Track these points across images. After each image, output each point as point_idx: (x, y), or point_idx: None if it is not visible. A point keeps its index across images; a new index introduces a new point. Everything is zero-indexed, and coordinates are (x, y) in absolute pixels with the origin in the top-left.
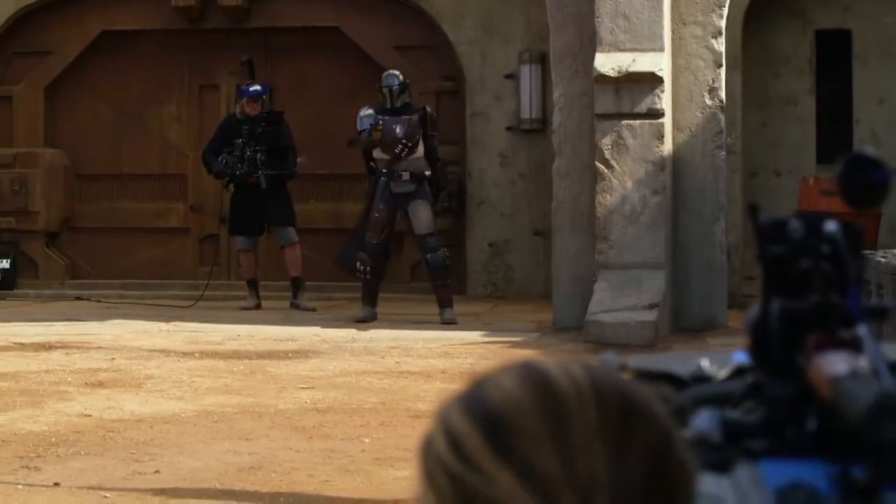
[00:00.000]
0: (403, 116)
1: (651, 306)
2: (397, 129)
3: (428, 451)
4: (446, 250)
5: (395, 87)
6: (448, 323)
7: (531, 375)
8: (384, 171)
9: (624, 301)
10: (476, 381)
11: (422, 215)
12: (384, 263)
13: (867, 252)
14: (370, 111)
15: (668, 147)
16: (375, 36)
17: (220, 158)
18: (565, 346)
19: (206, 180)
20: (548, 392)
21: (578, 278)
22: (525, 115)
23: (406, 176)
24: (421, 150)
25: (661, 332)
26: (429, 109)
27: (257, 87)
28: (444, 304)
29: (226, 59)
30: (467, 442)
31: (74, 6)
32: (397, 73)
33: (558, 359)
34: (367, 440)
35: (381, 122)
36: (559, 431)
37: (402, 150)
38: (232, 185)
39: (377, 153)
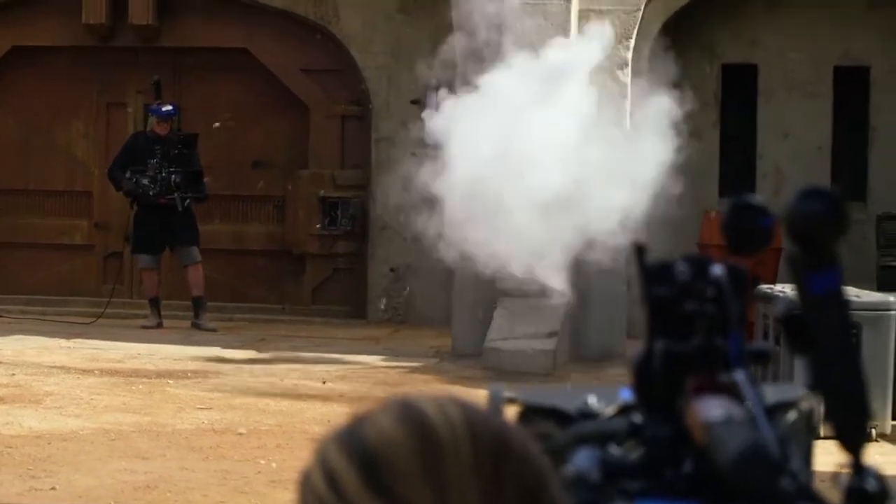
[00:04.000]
0: None
1: (550, 335)
2: None
3: (305, 486)
4: None
5: None
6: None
7: (408, 413)
8: None
9: (523, 329)
10: (355, 418)
11: None
12: None
13: (765, 288)
14: None
15: None
16: (284, 58)
17: (128, 177)
18: (463, 372)
19: (112, 198)
20: (424, 431)
21: (479, 305)
22: (430, 141)
23: None
24: None
25: (559, 360)
26: None
27: (169, 108)
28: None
29: (135, 78)
30: (343, 478)
31: None
32: None
33: (437, 396)
34: (262, 462)
35: None
36: (434, 470)
37: None
38: (136, 204)
39: None
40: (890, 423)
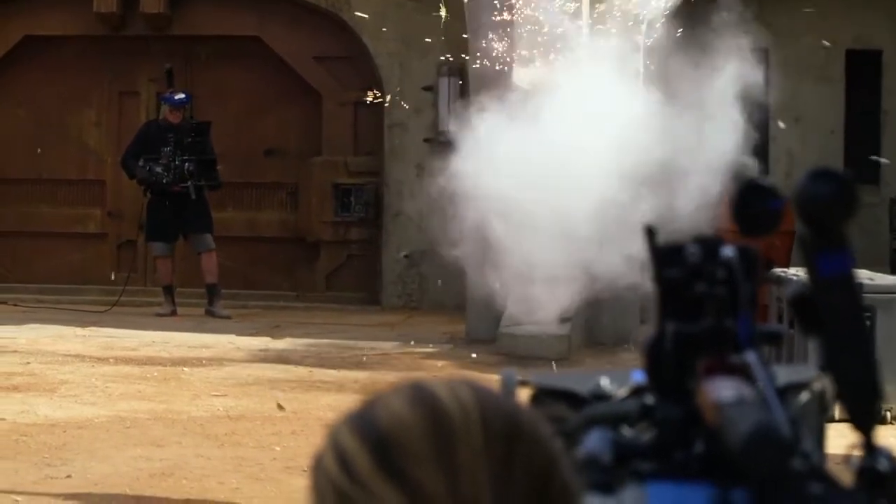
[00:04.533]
0: None
1: (563, 320)
2: None
3: (318, 468)
4: None
5: None
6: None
7: (419, 396)
8: None
9: (537, 314)
10: (367, 400)
11: None
12: None
13: (777, 271)
14: None
15: None
16: (296, 46)
17: (141, 165)
18: (478, 358)
19: (125, 186)
20: (435, 413)
21: (493, 290)
22: (443, 126)
23: None
24: None
25: (573, 345)
26: None
27: (181, 96)
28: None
29: (146, 67)
30: (355, 460)
31: None
32: None
33: (449, 379)
34: (278, 448)
35: None
36: (445, 452)
37: None
38: (149, 193)
39: None
40: None
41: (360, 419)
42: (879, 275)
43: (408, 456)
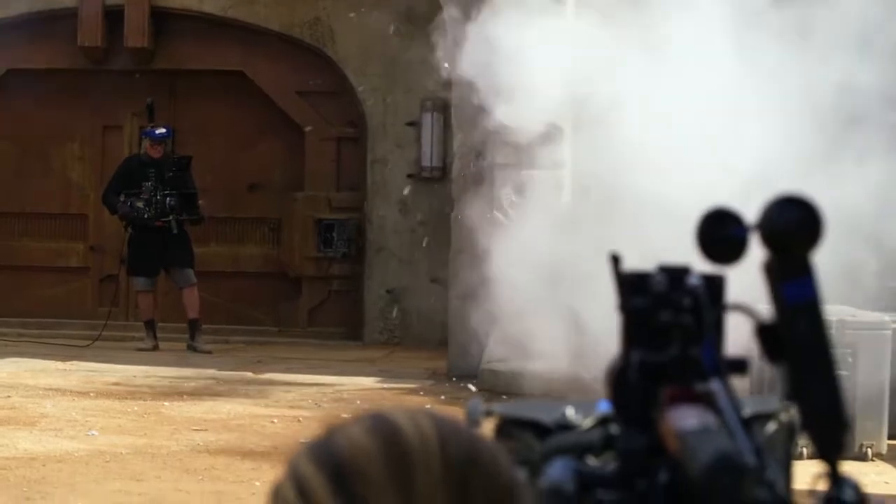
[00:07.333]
0: None
1: (547, 356)
2: None
3: (276, 497)
4: None
5: None
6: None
7: (379, 425)
8: None
9: (519, 350)
10: (327, 430)
11: None
12: None
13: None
14: None
15: (567, 198)
16: (279, 80)
17: (122, 200)
18: (459, 394)
19: (107, 221)
20: (394, 442)
21: (474, 326)
22: (426, 162)
23: None
24: None
25: (556, 382)
26: None
27: (162, 130)
28: None
29: (130, 101)
30: (313, 487)
31: None
32: None
33: (410, 409)
34: (258, 483)
35: None
36: (403, 480)
37: None
38: (131, 227)
39: None
40: (886, 442)
41: (319, 448)
42: (862, 311)
43: (366, 483)
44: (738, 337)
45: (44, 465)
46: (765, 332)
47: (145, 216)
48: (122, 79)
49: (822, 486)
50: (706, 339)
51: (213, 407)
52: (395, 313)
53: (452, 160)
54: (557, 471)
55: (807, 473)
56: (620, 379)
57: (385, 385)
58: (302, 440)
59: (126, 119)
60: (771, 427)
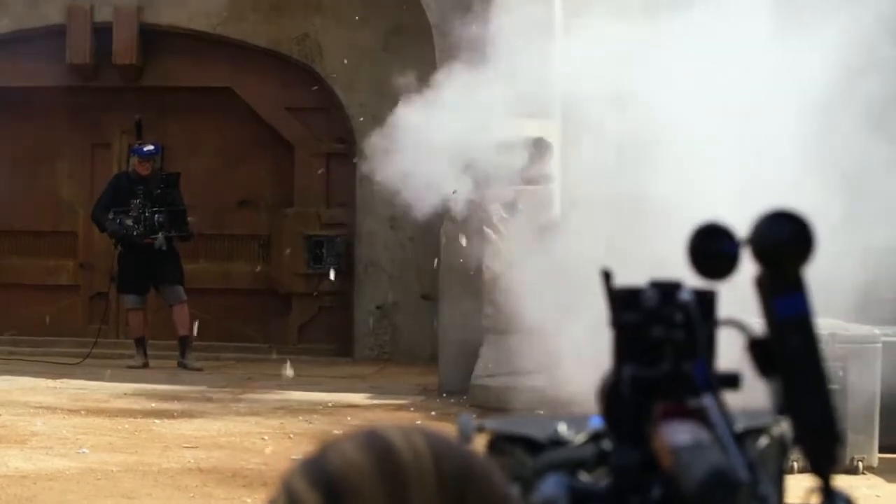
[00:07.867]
0: None
1: (538, 371)
2: None
3: None
4: None
5: None
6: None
7: (373, 442)
8: None
9: (510, 365)
10: (321, 447)
11: None
12: None
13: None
14: None
15: (557, 213)
16: (268, 97)
17: (111, 218)
18: (450, 409)
19: (97, 238)
20: (388, 458)
21: (465, 342)
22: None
23: None
24: None
25: (548, 396)
26: None
27: (150, 147)
28: None
29: (119, 118)
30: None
31: None
32: None
33: (403, 426)
34: (248, 500)
35: None
36: (398, 497)
37: None
38: (120, 245)
39: None
40: (877, 455)
41: (312, 465)
42: (852, 325)
43: (359, 500)
44: (730, 352)
45: (34, 484)
46: (757, 347)
47: (134, 233)
48: (111, 96)
49: (815, 500)
50: (698, 354)
51: (203, 424)
52: (387, 330)
53: None
54: (550, 487)
55: (799, 487)
56: (613, 394)
57: (376, 401)
58: (293, 457)
59: (115, 136)
60: (763, 441)
